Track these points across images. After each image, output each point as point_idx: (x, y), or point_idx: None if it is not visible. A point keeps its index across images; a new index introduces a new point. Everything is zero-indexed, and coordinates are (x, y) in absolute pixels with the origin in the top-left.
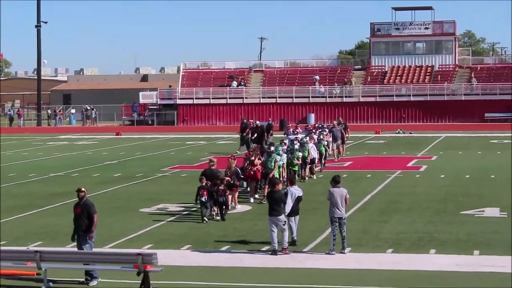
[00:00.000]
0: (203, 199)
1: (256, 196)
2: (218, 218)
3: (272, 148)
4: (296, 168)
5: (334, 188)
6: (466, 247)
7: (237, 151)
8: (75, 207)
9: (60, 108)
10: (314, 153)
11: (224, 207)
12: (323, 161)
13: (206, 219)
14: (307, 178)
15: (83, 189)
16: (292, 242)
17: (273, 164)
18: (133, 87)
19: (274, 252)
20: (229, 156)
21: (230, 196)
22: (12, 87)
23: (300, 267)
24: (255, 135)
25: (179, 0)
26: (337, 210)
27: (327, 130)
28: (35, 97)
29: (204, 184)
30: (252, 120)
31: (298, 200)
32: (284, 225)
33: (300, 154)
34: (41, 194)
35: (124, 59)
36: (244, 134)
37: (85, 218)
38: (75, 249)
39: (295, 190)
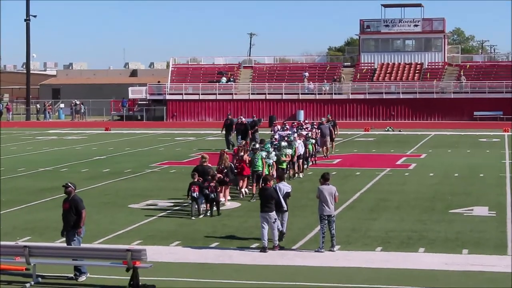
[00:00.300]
0: (194, 195)
1: (245, 190)
2: (208, 214)
3: (257, 146)
4: (284, 165)
5: (323, 186)
6: (454, 246)
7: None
8: (63, 203)
9: (49, 103)
10: (302, 150)
11: (215, 203)
12: (309, 160)
13: (193, 217)
14: (296, 175)
15: (69, 184)
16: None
17: (260, 161)
18: (122, 82)
19: (263, 249)
20: (223, 150)
21: (221, 191)
22: (0, 81)
23: (289, 264)
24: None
25: None
26: (326, 207)
27: (309, 127)
28: (24, 91)
29: (196, 180)
30: (240, 118)
31: (286, 196)
32: (274, 222)
33: (289, 151)
34: (30, 189)
35: (114, 54)
36: (232, 133)
37: (73, 213)
38: (64, 245)
39: (284, 186)
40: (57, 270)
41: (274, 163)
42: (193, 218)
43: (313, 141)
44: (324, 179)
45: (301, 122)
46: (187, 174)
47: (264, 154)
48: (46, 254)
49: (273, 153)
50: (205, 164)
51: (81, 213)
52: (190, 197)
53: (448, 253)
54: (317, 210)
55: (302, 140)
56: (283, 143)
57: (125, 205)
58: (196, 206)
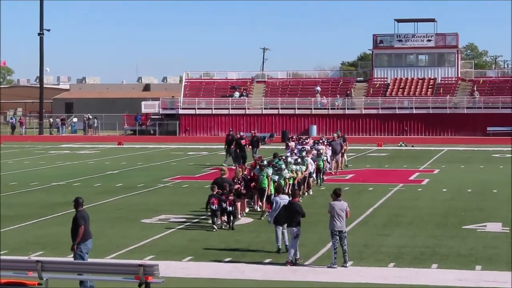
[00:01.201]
0: (213, 207)
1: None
2: (226, 227)
3: (265, 162)
4: (291, 181)
5: (334, 202)
6: (468, 262)
7: (224, 164)
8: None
9: (62, 117)
10: (311, 168)
11: (232, 216)
12: (321, 176)
13: (216, 228)
14: (306, 193)
15: (78, 199)
16: (278, 251)
17: (265, 179)
18: (135, 96)
19: (296, 260)
20: (237, 165)
21: (238, 204)
22: (14, 95)
23: (302, 280)
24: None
25: (182, 10)
26: (337, 223)
27: (320, 144)
28: (37, 105)
29: (215, 192)
30: (239, 133)
31: (284, 208)
32: (295, 238)
33: (303, 167)
34: (43, 203)
35: (127, 68)
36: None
37: (75, 228)
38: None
39: (281, 200)
40: (69, 284)
41: (287, 180)
42: (214, 230)
43: (325, 157)
44: (336, 194)
45: (300, 138)
46: (200, 188)
47: (270, 171)
48: (59, 269)
49: (286, 170)
50: (224, 176)
51: (79, 229)
52: (209, 209)
53: (461, 269)
54: (328, 226)
55: (311, 156)
56: (289, 159)
57: (137, 220)
58: (216, 218)
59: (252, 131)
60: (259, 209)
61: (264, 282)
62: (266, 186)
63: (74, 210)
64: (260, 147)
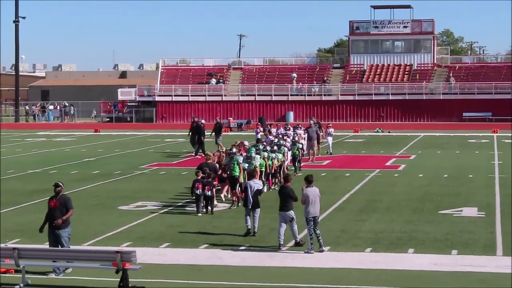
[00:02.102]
0: (197, 192)
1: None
2: (204, 211)
3: (234, 150)
4: (263, 168)
5: (307, 188)
6: (444, 247)
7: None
8: (50, 201)
9: (42, 104)
10: (285, 156)
11: (210, 201)
12: (297, 164)
13: (200, 213)
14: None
15: (60, 183)
16: (246, 233)
17: (236, 167)
18: (112, 83)
19: (279, 246)
20: (222, 151)
21: (225, 189)
22: None
23: (279, 265)
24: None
25: None
26: (312, 209)
27: (301, 131)
28: (12, 93)
29: (199, 177)
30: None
31: (257, 193)
32: (291, 221)
33: (280, 156)
34: (19, 191)
35: (103, 56)
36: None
37: (63, 211)
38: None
39: (254, 184)
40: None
41: (257, 168)
42: (199, 215)
43: (300, 145)
44: (308, 181)
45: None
46: (177, 175)
47: (240, 159)
48: (36, 256)
49: (258, 156)
50: (209, 161)
51: (69, 211)
52: (193, 194)
53: (437, 254)
54: (303, 213)
55: (288, 144)
56: (267, 147)
57: (114, 207)
58: (200, 203)
59: (217, 118)
60: (228, 197)
61: (242, 268)
62: (238, 174)
63: (54, 194)
64: (223, 133)
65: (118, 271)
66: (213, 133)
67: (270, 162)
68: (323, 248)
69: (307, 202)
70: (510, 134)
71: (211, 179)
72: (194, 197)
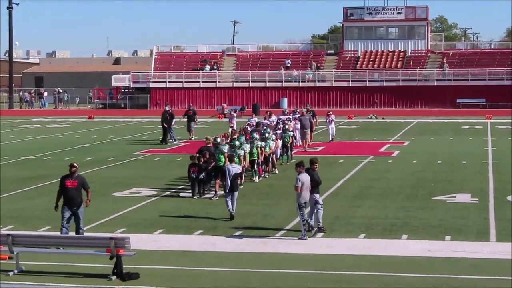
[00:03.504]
0: (193, 175)
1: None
2: (197, 196)
3: (218, 140)
4: (255, 157)
5: (301, 174)
6: (437, 233)
7: (175, 142)
8: (65, 180)
9: (32, 91)
10: (273, 144)
11: (202, 184)
12: (288, 153)
13: (195, 197)
14: (270, 172)
15: (75, 164)
16: (230, 217)
17: (221, 156)
18: (106, 70)
19: (310, 228)
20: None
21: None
22: None
23: (273, 251)
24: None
25: None
26: (305, 195)
27: (289, 119)
28: (6, 80)
29: (195, 161)
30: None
31: (236, 177)
32: (316, 203)
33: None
34: (13, 177)
35: (97, 42)
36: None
37: (79, 191)
38: (48, 233)
39: (233, 168)
40: (41, 258)
41: (246, 154)
42: (195, 197)
43: (291, 133)
44: (302, 166)
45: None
46: (171, 162)
47: (225, 148)
48: (29, 243)
49: (247, 145)
50: (209, 145)
51: (89, 190)
52: (190, 178)
53: (431, 240)
54: (296, 199)
55: (278, 132)
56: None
57: (108, 194)
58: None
59: (190, 104)
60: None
61: (235, 254)
62: (223, 163)
63: (70, 174)
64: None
65: (112, 258)
66: (184, 119)
67: (254, 151)
68: (321, 226)
69: (301, 188)
70: (503, 121)
71: (206, 164)
72: (190, 182)
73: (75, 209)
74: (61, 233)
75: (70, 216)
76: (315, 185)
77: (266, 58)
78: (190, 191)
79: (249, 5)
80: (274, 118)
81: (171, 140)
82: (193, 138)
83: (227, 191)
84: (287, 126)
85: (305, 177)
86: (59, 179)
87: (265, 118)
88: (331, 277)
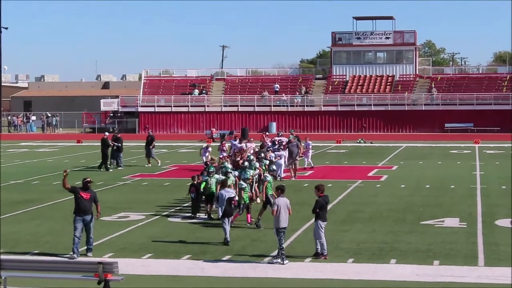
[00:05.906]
0: (192, 195)
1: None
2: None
3: (212, 169)
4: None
5: (279, 198)
6: (426, 257)
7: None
8: (81, 192)
9: (20, 115)
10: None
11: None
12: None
13: (196, 217)
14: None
15: (90, 179)
16: (225, 243)
17: (214, 185)
18: (95, 94)
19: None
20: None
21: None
22: None
23: (262, 276)
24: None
25: (141, 7)
26: (283, 220)
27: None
28: None
29: (195, 182)
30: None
31: (229, 201)
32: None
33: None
34: (1, 201)
35: (86, 66)
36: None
37: (91, 204)
38: (36, 258)
39: (226, 192)
40: (29, 283)
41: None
42: (195, 217)
43: (267, 162)
44: (281, 190)
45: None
46: (159, 186)
47: (217, 177)
48: (17, 267)
49: (250, 171)
50: (214, 165)
51: (98, 205)
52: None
53: (419, 264)
54: (274, 223)
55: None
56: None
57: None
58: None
59: (149, 130)
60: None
61: (223, 279)
62: (215, 191)
63: (84, 187)
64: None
65: (100, 282)
66: (148, 147)
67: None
68: (284, 262)
69: (278, 213)
70: (491, 145)
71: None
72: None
73: (87, 219)
74: (73, 243)
75: (82, 228)
76: (323, 211)
77: (255, 83)
78: (181, 214)
79: (238, 30)
80: (252, 144)
81: (113, 167)
82: (150, 166)
83: (221, 216)
84: (262, 154)
85: (281, 201)
86: (72, 189)
87: (240, 141)
88: None
